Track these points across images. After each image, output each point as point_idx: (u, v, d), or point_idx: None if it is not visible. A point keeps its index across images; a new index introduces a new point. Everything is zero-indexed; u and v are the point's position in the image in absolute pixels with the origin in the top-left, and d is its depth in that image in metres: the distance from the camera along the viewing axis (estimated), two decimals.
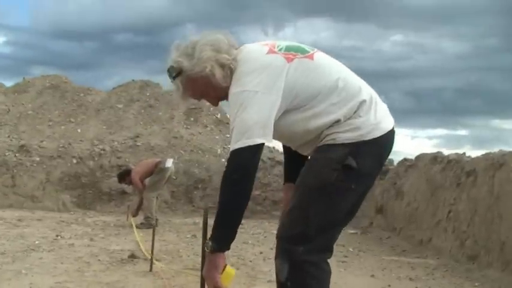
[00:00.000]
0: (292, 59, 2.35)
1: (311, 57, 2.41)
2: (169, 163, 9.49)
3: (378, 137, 2.34)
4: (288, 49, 2.41)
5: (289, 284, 2.27)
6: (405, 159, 10.24)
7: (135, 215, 9.55)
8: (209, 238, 2.24)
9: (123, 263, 5.59)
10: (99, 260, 5.71)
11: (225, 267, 2.24)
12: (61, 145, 12.99)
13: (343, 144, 2.30)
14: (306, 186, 2.35)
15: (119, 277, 4.83)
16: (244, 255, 6.49)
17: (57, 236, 7.44)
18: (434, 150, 8.67)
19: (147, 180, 9.55)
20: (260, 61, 2.35)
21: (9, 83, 16.57)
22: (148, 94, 15.78)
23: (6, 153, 12.42)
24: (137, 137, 13.66)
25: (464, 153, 7.62)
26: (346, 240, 8.55)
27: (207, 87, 2.43)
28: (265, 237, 8.70)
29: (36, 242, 6.75)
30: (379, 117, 2.38)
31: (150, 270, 5.15)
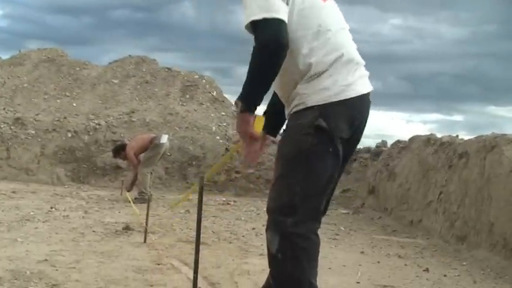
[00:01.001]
0: None
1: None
2: (164, 139, 9.53)
3: (348, 99, 2.35)
4: None
5: (280, 256, 2.32)
6: (398, 141, 10.31)
7: (129, 189, 9.62)
8: (238, 99, 2.29)
9: (118, 234, 5.67)
10: (93, 231, 5.78)
11: (256, 120, 2.33)
12: (56, 119, 13.00)
13: (312, 108, 2.33)
14: (284, 157, 2.40)
15: (114, 247, 4.90)
16: (237, 231, 6.57)
17: (51, 208, 7.49)
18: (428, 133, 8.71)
19: (141, 156, 9.61)
20: None
21: (5, 56, 16.49)
22: (144, 70, 15.74)
23: (2, 126, 12.43)
24: (132, 112, 13.68)
25: (457, 136, 7.69)
26: (337, 220, 8.65)
27: None
28: (258, 214, 8.78)
29: (31, 213, 6.80)
30: (352, 80, 2.39)
31: (144, 241, 5.23)
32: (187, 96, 14.92)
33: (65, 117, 13.08)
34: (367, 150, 12.98)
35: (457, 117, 47.70)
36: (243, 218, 8.01)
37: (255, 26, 2.25)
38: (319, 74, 2.35)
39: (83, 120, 13.08)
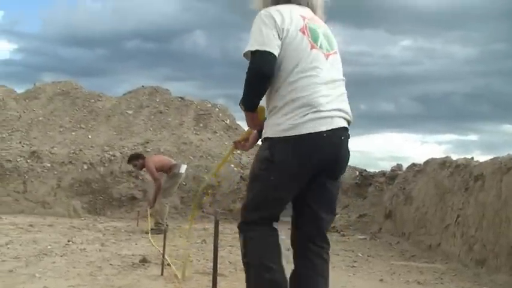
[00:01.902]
0: (313, 47, 2.94)
1: (328, 55, 2.99)
2: (183, 169, 9.54)
3: (295, 136, 2.77)
4: (317, 35, 2.99)
5: (241, 249, 2.99)
6: (414, 164, 10.27)
7: (152, 205, 9.59)
8: (240, 103, 2.92)
9: (135, 267, 5.66)
10: (110, 264, 5.78)
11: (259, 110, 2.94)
12: (72, 151, 13.11)
13: (266, 139, 2.88)
14: (249, 175, 3.07)
15: (131, 281, 4.90)
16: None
17: (68, 241, 7.52)
18: (443, 155, 8.67)
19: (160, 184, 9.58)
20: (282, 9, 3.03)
21: (20, 90, 16.76)
22: (157, 100, 15.90)
23: (18, 159, 12.56)
24: (147, 142, 13.77)
25: (472, 158, 7.65)
26: (355, 246, 8.59)
27: None
28: None
29: (49, 247, 6.83)
30: (301, 121, 2.78)
31: (162, 274, 5.22)
32: (201, 125, 15.01)
33: (80, 150, 13.19)
34: (382, 174, 12.92)
35: (472, 137, 47.46)
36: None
37: (252, 54, 2.83)
38: (276, 111, 2.85)
39: (98, 152, 13.18)
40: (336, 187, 3.06)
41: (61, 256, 6.20)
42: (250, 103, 2.90)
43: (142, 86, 16.72)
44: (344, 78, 3.06)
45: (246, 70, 2.84)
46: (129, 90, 16.85)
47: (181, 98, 16.17)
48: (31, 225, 9.27)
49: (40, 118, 14.97)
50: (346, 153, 2.99)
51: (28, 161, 12.62)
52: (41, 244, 7.06)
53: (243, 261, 2.99)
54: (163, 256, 5.36)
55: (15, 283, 4.58)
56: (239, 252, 7.13)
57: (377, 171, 13.38)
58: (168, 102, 15.94)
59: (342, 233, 10.56)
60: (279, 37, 2.85)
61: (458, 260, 6.65)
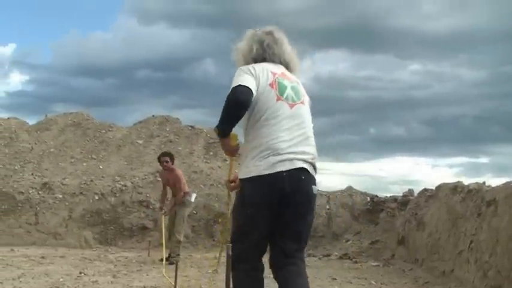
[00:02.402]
0: (279, 99, 3.51)
1: (293, 105, 3.53)
2: (193, 198, 9.58)
3: (255, 178, 3.34)
4: (288, 90, 3.55)
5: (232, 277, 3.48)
6: (425, 190, 10.22)
7: (166, 214, 9.61)
8: (216, 127, 3.39)
9: None
10: None
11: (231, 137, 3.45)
12: (83, 182, 13.16)
13: (240, 179, 3.46)
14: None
15: None
16: None
17: (80, 273, 7.52)
18: (455, 179, 8.64)
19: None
20: (259, 67, 3.59)
21: (32, 121, 16.87)
22: (168, 129, 15.96)
23: (30, 191, 12.61)
24: (158, 172, 13.77)
25: (484, 183, 7.61)
26: (368, 273, 8.53)
27: None
28: None
29: (61, 280, 6.83)
30: (260, 163, 3.34)
31: None
32: (211, 153, 15.04)
33: (91, 180, 13.24)
34: (394, 199, 12.86)
35: (483, 159, 47.02)
36: (270, 276, 7.91)
37: (231, 90, 3.33)
38: (246, 155, 3.44)
39: (109, 182, 13.22)
40: (303, 225, 3.53)
41: None
42: (224, 128, 3.38)
43: (153, 116, 16.81)
44: (312, 124, 3.61)
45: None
46: (139, 119, 16.94)
47: (192, 126, 16.24)
48: (43, 257, 9.29)
49: (51, 149, 15.06)
50: (308, 192, 3.48)
51: (40, 192, 12.68)
52: (53, 277, 7.06)
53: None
54: (175, 287, 5.34)
55: None
56: None
57: (388, 196, 13.33)
58: (178, 131, 16.00)
59: (354, 260, 10.49)
60: (255, 83, 3.40)
61: (473, 286, 6.57)
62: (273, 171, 3.32)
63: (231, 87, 3.33)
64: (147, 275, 7.70)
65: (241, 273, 3.48)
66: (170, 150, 14.74)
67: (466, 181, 8.10)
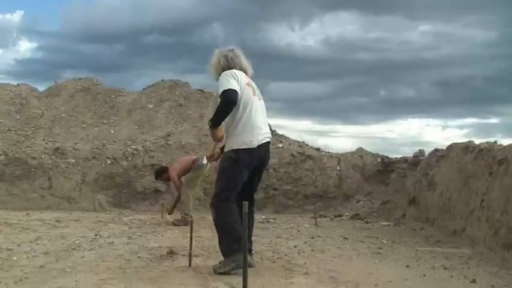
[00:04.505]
0: (254, 94, 5.21)
1: (259, 100, 5.27)
2: (205, 160, 9.63)
3: (248, 149, 5.00)
4: (255, 90, 5.24)
5: (215, 217, 5.13)
6: (436, 150, 10.23)
7: (170, 212, 9.74)
8: (209, 121, 5.07)
9: (162, 259, 5.74)
10: (139, 257, 5.87)
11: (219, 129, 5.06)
12: (95, 146, 13.26)
13: (232, 149, 5.05)
14: (218, 168, 5.24)
15: (160, 273, 4.97)
16: (279, 250, 6.59)
17: (96, 235, 7.63)
18: (465, 140, 8.61)
19: (183, 178, 9.73)
20: (236, 74, 5.13)
21: (42, 88, 16.90)
22: (177, 93, 15.97)
23: (42, 156, 12.73)
24: (168, 136, 13.86)
25: (495, 142, 7.60)
26: (379, 233, 8.60)
27: None
28: (298, 231, 8.79)
29: (77, 241, 6.94)
30: (252, 137, 5.02)
31: (189, 265, 5.29)
32: None
33: (103, 145, 13.34)
34: (405, 160, 12.87)
35: (493, 120, 46.86)
36: (284, 236, 8.03)
37: (222, 93, 4.89)
38: (238, 133, 5.02)
39: (120, 147, 13.30)
40: (260, 179, 5.50)
41: (89, 250, 6.30)
42: (218, 122, 4.99)
43: (162, 80, 16.80)
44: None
45: (219, 102, 5.04)
46: (149, 84, 16.96)
47: (201, 90, 16.22)
48: (58, 221, 9.43)
49: (62, 115, 15.13)
50: (269, 156, 5.40)
51: (52, 157, 12.79)
52: (69, 239, 7.17)
53: (215, 224, 5.16)
54: (190, 248, 5.42)
55: (48, 278, 4.67)
56: (263, 241, 7.21)
57: (399, 157, 13.34)
58: (188, 95, 16.01)
59: (365, 220, 10.57)
60: (238, 85, 4.93)
61: (484, 244, 6.63)
62: (260, 144, 5.07)
63: (222, 90, 4.85)
64: (162, 236, 7.81)
65: (223, 207, 5.03)
66: (180, 113, 14.82)
67: (477, 142, 8.09)
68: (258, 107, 5.16)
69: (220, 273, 4.82)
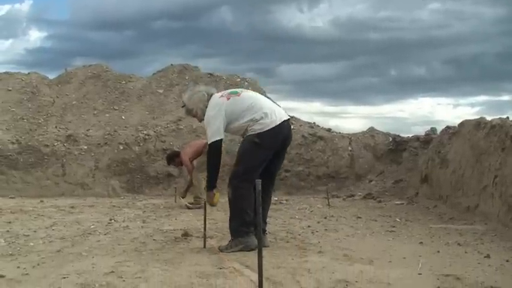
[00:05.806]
0: (229, 98, 5.35)
1: (238, 95, 5.43)
2: None
3: (271, 129, 5.15)
4: (230, 93, 5.47)
5: (231, 197, 5.25)
6: (448, 127, 10.19)
7: (183, 196, 9.79)
8: (205, 187, 5.67)
9: (177, 241, 5.79)
10: (154, 239, 5.93)
11: (215, 195, 5.48)
12: (107, 132, 13.32)
13: (256, 133, 5.16)
14: (239, 150, 5.36)
15: (175, 254, 5.02)
16: (292, 230, 6.63)
17: (110, 220, 7.70)
18: (477, 117, 8.57)
19: (195, 161, 9.77)
20: (214, 103, 5.41)
21: (52, 76, 16.93)
22: (187, 78, 15.95)
23: (55, 144, 12.81)
24: (179, 120, 13.87)
25: (507, 118, 7.56)
26: (392, 211, 8.63)
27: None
28: (311, 211, 8.82)
29: (92, 226, 7.01)
30: (273, 121, 5.19)
31: (204, 246, 5.34)
32: None
33: (115, 131, 13.39)
34: (416, 138, 12.83)
35: (505, 97, 46.52)
36: (297, 217, 8.07)
37: (209, 145, 5.34)
38: (256, 121, 5.18)
39: (132, 132, 13.36)
40: (282, 157, 5.63)
41: (105, 234, 6.36)
42: (213, 182, 5.39)
43: (172, 65, 16.78)
44: None
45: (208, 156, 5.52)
46: (158, 69, 16.95)
47: (211, 74, 16.20)
48: (72, 207, 9.51)
49: (73, 102, 15.18)
50: (291, 136, 5.62)
51: (65, 144, 12.87)
52: (84, 224, 7.25)
53: (229, 204, 5.31)
54: (204, 229, 5.47)
55: (65, 262, 4.73)
56: (277, 222, 7.25)
57: (410, 136, 13.30)
58: (198, 79, 15.97)
59: (378, 199, 10.59)
60: (223, 117, 5.27)
61: (498, 220, 6.63)
62: (281, 121, 5.27)
63: (209, 140, 5.30)
64: (176, 219, 7.87)
65: (242, 189, 5.15)
66: None
67: (488, 119, 8.04)
68: (252, 96, 5.53)
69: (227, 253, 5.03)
